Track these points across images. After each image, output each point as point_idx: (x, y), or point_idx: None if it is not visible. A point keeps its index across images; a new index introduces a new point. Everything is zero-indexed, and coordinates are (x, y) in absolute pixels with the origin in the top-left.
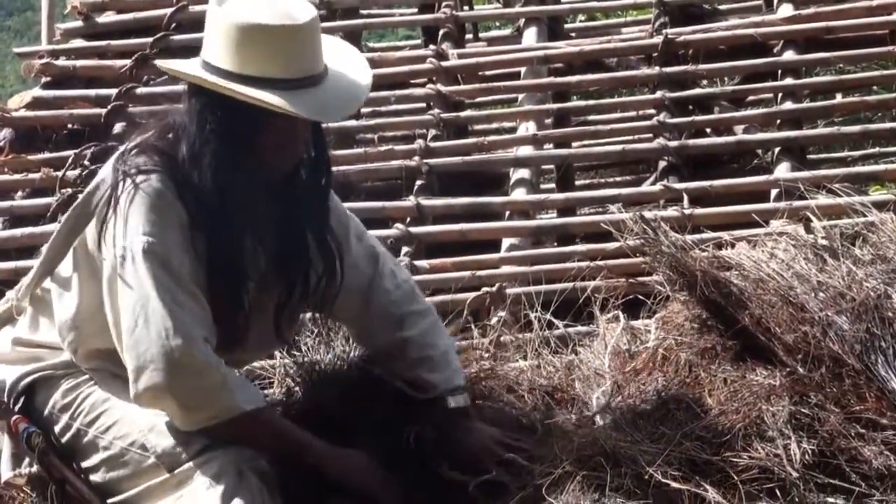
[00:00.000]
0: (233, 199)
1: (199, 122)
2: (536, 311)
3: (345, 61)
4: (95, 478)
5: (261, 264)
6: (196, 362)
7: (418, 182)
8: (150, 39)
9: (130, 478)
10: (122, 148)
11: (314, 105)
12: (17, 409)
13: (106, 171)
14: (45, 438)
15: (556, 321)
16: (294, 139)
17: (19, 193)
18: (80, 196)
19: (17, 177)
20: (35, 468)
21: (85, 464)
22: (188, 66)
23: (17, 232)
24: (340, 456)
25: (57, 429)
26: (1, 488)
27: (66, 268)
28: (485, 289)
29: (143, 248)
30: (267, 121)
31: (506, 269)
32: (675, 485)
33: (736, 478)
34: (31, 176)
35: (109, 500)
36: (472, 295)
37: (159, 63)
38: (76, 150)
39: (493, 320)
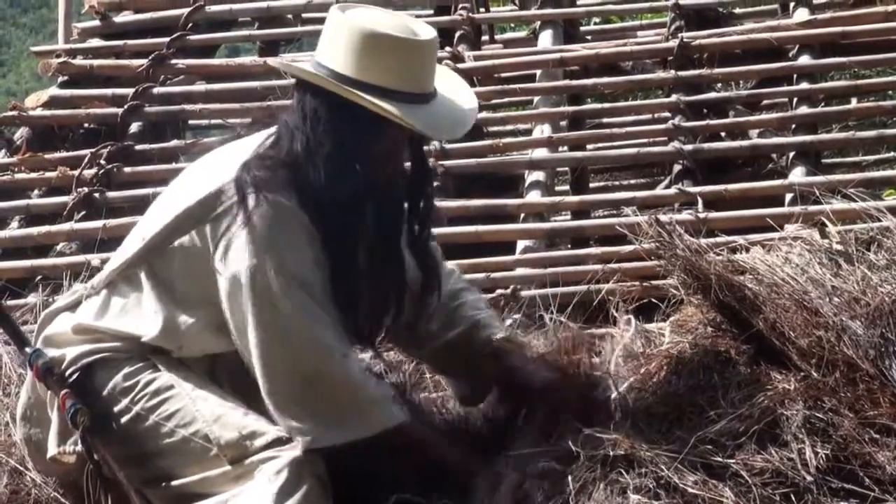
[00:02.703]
0: (346, 204)
1: (313, 123)
2: (551, 313)
3: (452, 87)
4: (150, 462)
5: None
6: (331, 380)
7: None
8: (166, 39)
9: (189, 466)
10: (242, 158)
11: (428, 121)
12: (70, 382)
13: (222, 178)
14: (90, 417)
15: (570, 324)
16: (398, 151)
17: (36, 192)
18: (184, 192)
19: (33, 175)
20: (79, 446)
21: (141, 448)
22: (305, 68)
23: (34, 230)
24: (471, 465)
25: (115, 410)
26: (47, 463)
27: (176, 271)
28: (499, 291)
29: (276, 268)
30: (378, 128)
31: (520, 271)
32: (691, 490)
33: (750, 481)
34: (48, 174)
35: (172, 483)
36: (486, 297)
37: (271, 61)
38: (93, 150)
39: (508, 322)
